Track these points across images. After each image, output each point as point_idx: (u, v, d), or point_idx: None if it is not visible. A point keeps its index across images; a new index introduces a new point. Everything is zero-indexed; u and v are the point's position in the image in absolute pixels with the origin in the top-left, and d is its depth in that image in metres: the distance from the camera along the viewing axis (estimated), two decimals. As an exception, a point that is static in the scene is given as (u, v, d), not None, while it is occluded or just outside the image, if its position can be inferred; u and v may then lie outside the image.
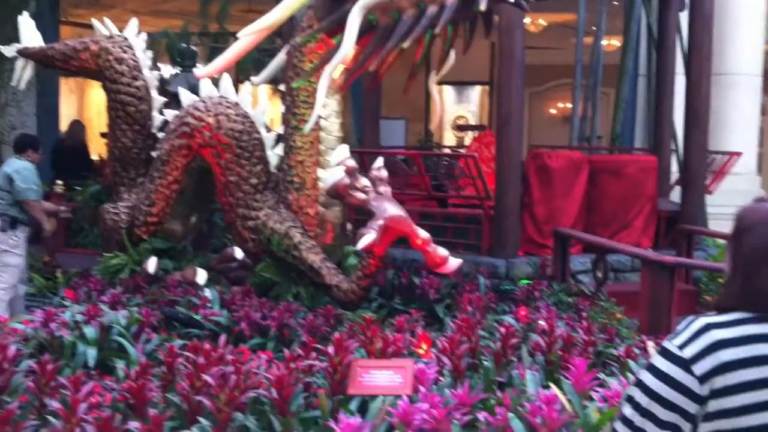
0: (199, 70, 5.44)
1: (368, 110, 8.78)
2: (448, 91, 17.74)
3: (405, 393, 3.29)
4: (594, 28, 9.76)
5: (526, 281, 6.26)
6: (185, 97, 5.47)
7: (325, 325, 4.62)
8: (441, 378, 3.63)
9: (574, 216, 7.20)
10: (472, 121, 17.32)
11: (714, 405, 1.63)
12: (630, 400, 1.72)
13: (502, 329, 4.15)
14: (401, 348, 4.00)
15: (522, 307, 5.17)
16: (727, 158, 8.22)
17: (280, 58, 5.09)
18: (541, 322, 4.43)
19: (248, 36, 4.63)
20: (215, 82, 5.37)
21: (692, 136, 7.21)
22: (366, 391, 3.40)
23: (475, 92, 17.79)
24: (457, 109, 17.92)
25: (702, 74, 7.12)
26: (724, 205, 9.42)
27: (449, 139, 17.49)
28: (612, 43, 12.46)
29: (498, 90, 6.65)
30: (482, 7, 3.93)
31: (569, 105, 11.06)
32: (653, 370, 1.69)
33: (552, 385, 3.49)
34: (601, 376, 3.75)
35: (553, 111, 17.76)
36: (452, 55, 4.45)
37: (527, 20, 12.79)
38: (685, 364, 1.64)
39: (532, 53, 15.54)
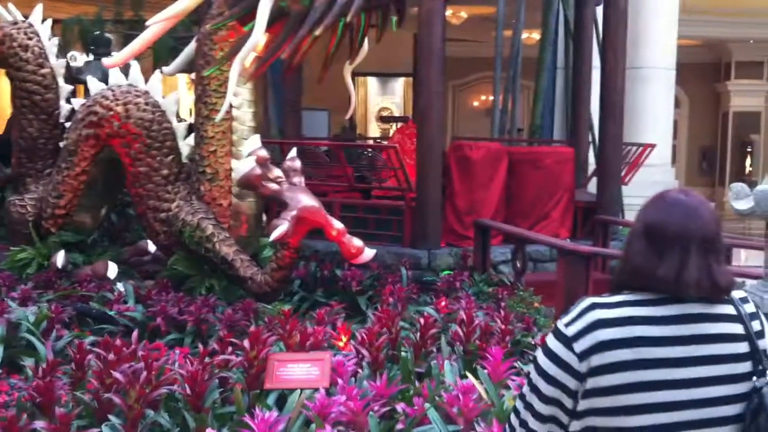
0: (108, 59, 5.27)
1: (289, 101, 8.68)
2: (373, 82, 17.75)
3: (322, 386, 3.25)
4: (515, 21, 9.87)
5: (447, 272, 6.29)
6: (93, 85, 5.29)
7: (244, 320, 4.54)
8: (359, 370, 3.60)
9: (495, 207, 7.25)
10: (397, 113, 17.37)
11: (591, 383, 1.65)
12: (529, 383, 1.75)
13: (422, 320, 4.15)
14: (321, 341, 3.95)
15: (442, 298, 5.19)
16: (641, 150, 8.41)
17: (192, 46, 4.96)
18: (461, 313, 4.45)
19: (157, 24, 4.52)
20: (125, 70, 5.20)
21: (607, 128, 7.34)
22: (283, 385, 3.35)
23: (399, 84, 17.85)
24: (381, 100, 17.96)
25: (616, 67, 7.25)
26: (640, 195, 9.63)
27: (374, 130, 17.51)
28: (533, 36, 12.64)
29: (417, 82, 6.63)
30: None
31: (492, 97, 11.18)
32: (544, 347, 1.73)
33: (469, 374, 3.49)
34: (518, 364, 3.78)
35: (476, 103, 17.95)
36: (365, 45, 4.42)
37: (449, 12, 12.87)
38: (568, 342, 1.67)
39: (455, 46, 15.74)
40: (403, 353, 3.77)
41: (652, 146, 8.47)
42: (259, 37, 3.98)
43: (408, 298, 5.47)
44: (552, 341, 1.72)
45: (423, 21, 6.40)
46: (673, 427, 1.65)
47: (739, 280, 3.89)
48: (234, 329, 4.30)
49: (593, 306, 1.71)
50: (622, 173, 8.20)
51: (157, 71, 5.25)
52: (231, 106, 4.56)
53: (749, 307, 1.80)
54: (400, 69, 15.92)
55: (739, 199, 3.56)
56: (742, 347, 1.73)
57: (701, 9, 15.46)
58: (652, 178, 10.17)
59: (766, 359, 1.77)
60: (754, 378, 1.73)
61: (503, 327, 4.28)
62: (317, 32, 4.01)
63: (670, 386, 1.65)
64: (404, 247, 6.74)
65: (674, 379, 1.66)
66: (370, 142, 12.56)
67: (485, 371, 3.50)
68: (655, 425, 1.65)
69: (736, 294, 1.81)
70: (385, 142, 10.43)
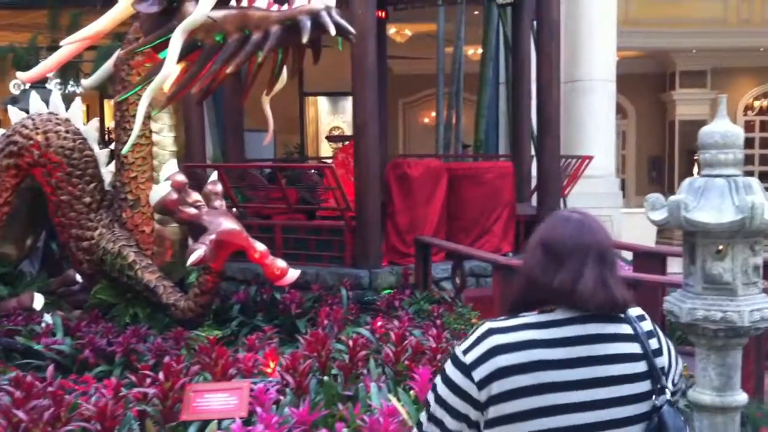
0: (21, 74, 5.18)
1: (231, 123, 8.59)
2: (323, 102, 17.74)
3: (239, 415, 3.19)
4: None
5: (388, 291, 6.26)
6: (14, 114, 5.18)
7: (174, 348, 4.46)
8: (281, 397, 3.53)
9: (436, 223, 7.24)
10: (348, 132, 17.37)
11: (493, 411, 1.63)
12: (426, 404, 1.73)
13: (351, 342, 4.11)
14: (251, 368, 3.89)
15: (378, 318, 5.15)
16: (580, 162, 8.48)
17: (110, 63, 4.90)
18: (391, 333, 4.42)
19: (72, 44, 4.47)
20: (45, 98, 5.11)
21: (545, 141, 7.39)
22: (200, 416, 3.27)
23: (350, 103, 17.84)
24: (332, 119, 17.95)
25: (551, 81, 7.31)
26: (585, 207, 9.74)
27: (327, 150, 17.49)
28: (477, 52, 12.75)
29: (353, 100, 6.62)
30: (304, 39, 3.92)
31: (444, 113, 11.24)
32: (443, 375, 1.70)
33: (391, 397, 3.45)
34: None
35: (426, 120, 18.01)
36: (284, 74, 4.41)
37: (393, 30, 12.93)
38: (466, 369, 1.65)
39: (403, 63, 15.86)
40: (326, 378, 3.72)
41: (590, 158, 8.55)
42: (170, 69, 3.96)
43: (346, 319, 5.43)
44: (450, 369, 1.69)
45: (356, 39, 6.38)
46: None
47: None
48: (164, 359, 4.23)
49: (490, 331, 1.68)
50: (562, 185, 8.26)
51: (78, 99, 5.18)
52: (151, 131, 4.52)
53: (646, 325, 1.79)
54: (349, 88, 15.96)
55: (655, 209, 3.56)
56: (640, 366, 1.72)
57: (643, 20, 15.76)
58: (597, 189, 10.28)
59: (665, 377, 1.76)
60: (654, 397, 1.72)
61: (434, 345, 4.25)
62: (228, 70, 4.01)
63: (571, 410, 1.64)
64: (345, 267, 6.70)
65: (574, 402, 1.64)
66: (313, 162, 12.50)
67: (413, 392, 3.48)
68: None
69: (633, 312, 1.80)
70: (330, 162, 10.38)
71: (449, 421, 1.66)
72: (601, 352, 1.69)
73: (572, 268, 1.71)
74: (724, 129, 3.36)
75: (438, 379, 1.72)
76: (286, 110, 14.23)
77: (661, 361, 1.77)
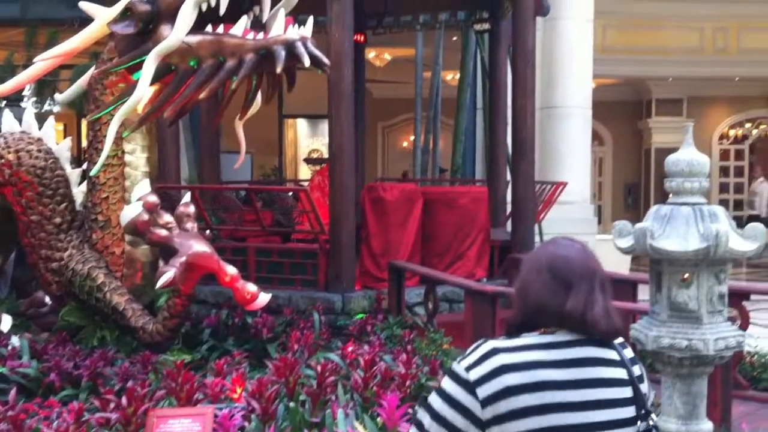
0: None
1: (207, 144, 8.58)
2: (302, 124, 17.76)
3: (202, 441, 3.16)
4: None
5: (361, 315, 6.24)
6: (-14, 132, 5.15)
7: (142, 372, 4.42)
8: (246, 423, 3.50)
9: (410, 248, 7.25)
10: (327, 154, 17.37)
11: (497, 430, 1.64)
12: (419, 424, 1.72)
13: (319, 368, 4.09)
14: (218, 393, 3.85)
15: (350, 343, 5.13)
16: (554, 188, 8.54)
17: (86, 78, 4.90)
18: (360, 358, 4.40)
19: (44, 61, 4.48)
20: (19, 116, 5.09)
21: (519, 167, 7.44)
22: (162, 441, 3.24)
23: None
24: (311, 142, 17.96)
25: (526, 107, 7.37)
26: (560, 233, 9.80)
27: (305, 172, 17.50)
28: (455, 77, 12.85)
29: (329, 123, 6.63)
30: (278, 69, 3.95)
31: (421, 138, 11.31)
32: (440, 391, 1.70)
33: (357, 424, 3.44)
34: (413, 410, 3.73)
35: (405, 143, 18.10)
36: (258, 99, 4.43)
37: (372, 54, 13.02)
38: (470, 387, 1.65)
39: (383, 87, 15.95)
40: (292, 404, 3.69)
41: (564, 184, 8.61)
42: (143, 92, 3.97)
43: (317, 344, 5.40)
44: (450, 385, 1.69)
45: (332, 63, 6.41)
46: None
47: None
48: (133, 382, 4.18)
49: (495, 350, 1.69)
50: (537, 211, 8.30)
51: (51, 118, 5.15)
52: (123, 152, 4.51)
53: (628, 352, 1.83)
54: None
55: (622, 236, 3.59)
56: (628, 392, 1.76)
57: (620, 48, 15.97)
58: (572, 215, 10.35)
59: (647, 403, 1.80)
60: (639, 422, 1.75)
61: (404, 371, 4.24)
62: (201, 96, 4.02)
63: (574, 431, 1.66)
64: (318, 290, 6.67)
65: (573, 423, 1.66)
66: (290, 185, 12.51)
67: (380, 419, 3.47)
68: None
69: (616, 339, 1.84)
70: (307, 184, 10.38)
71: None
72: (598, 375, 1.73)
73: (583, 293, 1.73)
74: (690, 157, 3.40)
75: (434, 396, 1.71)
76: (265, 132, 14.24)
77: (644, 388, 1.81)
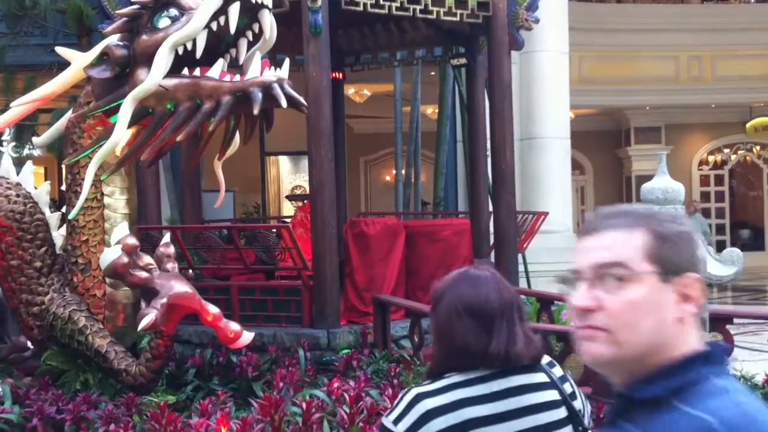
0: None
1: (188, 184, 8.58)
2: (285, 161, 17.82)
3: (186, 482, 3.14)
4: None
5: (346, 351, 6.21)
6: (-36, 179, 5.14)
7: (126, 415, 4.38)
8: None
9: (394, 281, 7.26)
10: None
11: None
12: None
13: (304, 405, 4.07)
14: (202, 434, 3.83)
15: (335, 379, 5.11)
16: (535, 218, 8.60)
17: (63, 121, 4.92)
18: (345, 394, 4.39)
19: (22, 106, 4.50)
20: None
21: (500, 198, 7.50)
22: (146, 484, 3.22)
23: (311, 162, 17.96)
24: (294, 178, 18.00)
25: (505, 139, 7.45)
26: (544, 262, 9.87)
27: (288, 209, 17.52)
28: (435, 111, 12.98)
29: (309, 160, 6.67)
30: (255, 111, 3.99)
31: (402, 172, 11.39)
32: None
33: (343, 460, 3.42)
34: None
35: (388, 178, 18.17)
36: (237, 139, 4.47)
37: (351, 91, 13.13)
38: None
39: (364, 122, 16.07)
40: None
41: (545, 214, 8.68)
42: (120, 135, 4.00)
43: (303, 381, 5.37)
44: None
45: (310, 101, 6.47)
46: None
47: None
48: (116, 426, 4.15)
49: (419, 397, 1.69)
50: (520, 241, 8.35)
51: (29, 162, 5.16)
52: (103, 194, 4.52)
53: (557, 371, 1.83)
54: (310, 147, 16.10)
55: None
56: (562, 412, 1.76)
57: (596, 79, 16.20)
58: (554, 244, 10.40)
59: (584, 420, 1.79)
60: None
61: (390, 406, 4.23)
62: (179, 138, 4.05)
63: None
64: (303, 327, 6.65)
65: None
66: (273, 222, 12.51)
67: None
68: None
69: (543, 360, 1.84)
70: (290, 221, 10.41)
71: None
72: (528, 402, 1.73)
73: (504, 331, 1.74)
74: (664, 185, 3.48)
75: None
76: (247, 170, 14.28)
77: (578, 404, 1.81)
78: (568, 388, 1.82)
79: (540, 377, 1.79)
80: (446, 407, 1.66)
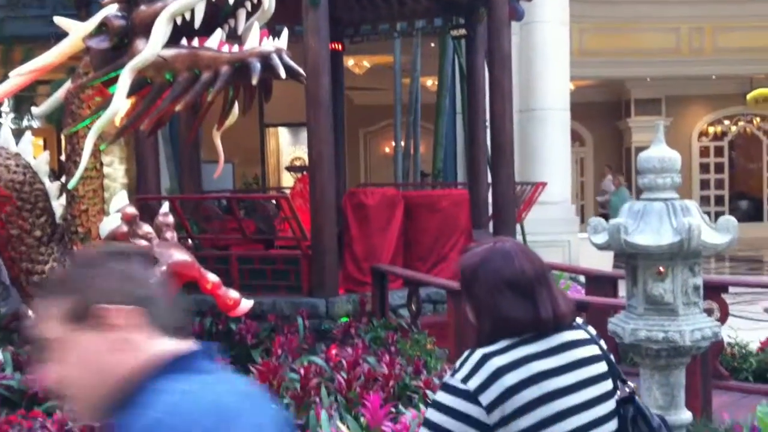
0: None
1: (187, 156, 8.59)
2: (284, 132, 17.80)
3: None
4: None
5: (345, 319, 6.28)
6: (-36, 149, 5.14)
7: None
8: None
9: (393, 251, 7.30)
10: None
11: (505, 430, 1.68)
12: None
13: (302, 371, 4.13)
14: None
15: (333, 346, 5.17)
16: (534, 188, 8.62)
17: (61, 93, 4.91)
18: (343, 360, 4.45)
19: (20, 76, 4.49)
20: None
21: (499, 169, 7.52)
22: (147, 447, 3.26)
23: (311, 133, 17.95)
24: (294, 150, 17.99)
25: (504, 111, 7.45)
26: (544, 232, 9.92)
27: (288, 180, 17.54)
28: (435, 82, 12.93)
29: (308, 131, 6.68)
30: (254, 81, 3.98)
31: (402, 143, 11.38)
32: (438, 406, 1.73)
33: (340, 424, 3.48)
34: (398, 408, 3.79)
35: (387, 149, 18.16)
36: (235, 109, 4.46)
37: (351, 62, 13.07)
38: (470, 396, 1.69)
39: (364, 94, 16.01)
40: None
41: (544, 184, 8.70)
42: (119, 105, 4.00)
43: (302, 348, 5.43)
44: (449, 398, 1.72)
45: (309, 73, 6.46)
46: None
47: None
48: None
49: (487, 356, 1.74)
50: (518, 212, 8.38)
51: (28, 132, 5.17)
52: (102, 164, 4.53)
53: (591, 330, 1.90)
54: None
55: (597, 233, 3.66)
56: (604, 366, 1.83)
57: (597, 50, 16.12)
58: (553, 215, 10.44)
59: (620, 373, 1.91)
60: (618, 392, 1.84)
61: (387, 372, 4.29)
62: (178, 108, 4.05)
63: (573, 413, 1.74)
64: (302, 296, 6.70)
65: (574, 405, 1.75)
66: (273, 193, 12.55)
67: (363, 419, 3.51)
68: None
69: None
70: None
71: None
72: (579, 356, 1.81)
73: (545, 296, 1.81)
74: (661, 154, 3.48)
75: (433, 413, 1.73)
76: (246, 141, 14.26)
77: (612, 360, 1.89)
78: (603, 345, 1.91)
79: (581, 334, 1.88)
80: (514, 363, 1.72)
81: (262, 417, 1.24)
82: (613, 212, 15.12)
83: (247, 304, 4.41)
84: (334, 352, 4.91)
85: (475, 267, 1.85)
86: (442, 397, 1.73)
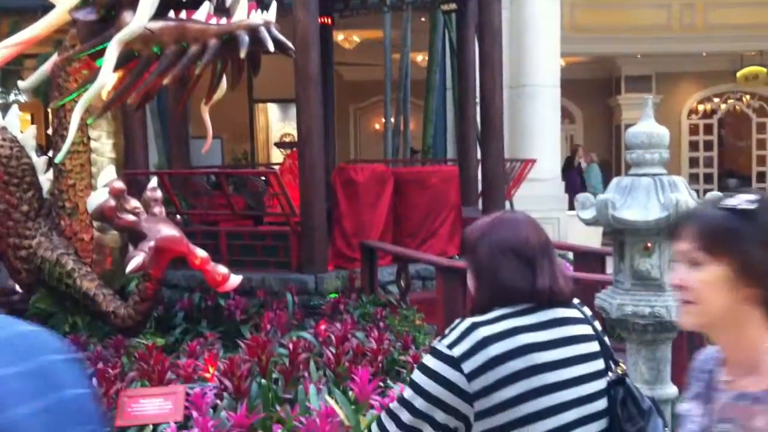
0: None
1: (176, 131, 8.55)
2: (273, 109, 17.71)
3: (174, 420, 3.20)
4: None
5: (334, 295, 6.28)
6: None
7: (115, 356, 4.43)
8: (219, 401, 3.54)
9: (382, 227, 7.30)
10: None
11: (486, 402, 1.69)
12: (402, 400, 1.77)
13: (291, 346, 4.14)
14: (191, 374, 3.89)
15: (322, 322, 5.18)
16: (523, 165, 8.62)
17: (47, 67, 4.87)
18: (332, 335, 4.46)
19: (5, 49, 4.44)
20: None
21: (489, 146, 7.51)
22: (135, 421, 3.27)
23: (300, 109, 17.85)
24: (283, 126, 17.90)
25: (494, 86, 7.43)
26: (533, 209, 9.91)
27: (277, 156, 17.48)
28: (425, 58, 12.86)
29: (297, 107, 6.64)
30: (242, 54, 3.94)
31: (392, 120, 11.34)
32: (423, 368, 1.75)
33: (328, 397, 3.49)
34: (386, 383, 3.80)
35: (377, 126, 18.09)
36: (224, 83, 4.43)
37: (341, 37, 12.99)
38: (454, 362, 1.70)
39: (354, 70, 15.92)
40: (263, 381, 3.74)
41: (533, 161, 8.69)
42: (105, 78, 3.97)
43: (291, 323, 5.44)
44: (435, 363, 1.73)
45: (298, 48, 6.41)
46: (564, 428, 1.73)
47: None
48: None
49: (475, 325, 1.74)
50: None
51: (15, 106, 5.12)
52: (89, 138, 4.50)
53: (586, 310, 1.91)
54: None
55: (584, 209, 3.67)
56: (595, 346, 1.85)
57: (588, 27, 16.04)
58: (543, 192, 10.45)
59: (613, 354, 1.90)
60: (610, 373, 1.84)
61: (375, 347, 4.30)
62: (165, 81, 4.02)
63: (559, 388, 1.74)
64: (291, 272, 6.70)
65: (561, 380, 1.74)
66: (261, 169, 12.51)
67: (352, 393, 3.52)
68: (553, 429, 1.71)
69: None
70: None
71: (440, 416, 1.70)
72: (571, 333, 1.82)
73: (546, 270, 1.82)
74: (649, 130, 3.48)
75: (418, 374, 1.75)
76: (235, 117, 14.18)
77: (607, 341, 1.90)
78: (597, 326, 1.91)
79: (575, 312, 1.88)
80: (502, 334, 1.72)
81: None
82: (587, 189, 15.19)
83: (235, 279, 4.40)
84: (323, 327, 4.91)
85: (482, 232, 1.87)
86: (428, 360, 1.75)
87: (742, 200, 1.40)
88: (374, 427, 1.80)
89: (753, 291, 1.37)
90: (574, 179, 14.38)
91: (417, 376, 1.75)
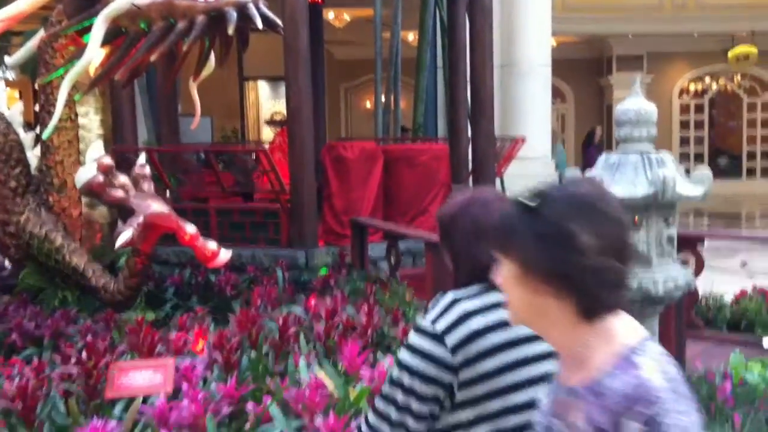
0: None
1: (165, 108, 8.52)
2: (264, 86, 17.65)
3: (164, 391, 3.21)
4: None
5: (324, 270, 6.30)
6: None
7: (105, 330, 4.44)
8: (209, 374, 3.56)
9: (372, 205, 7.31)
10: (288, 116, 17.30)
11: (469, 372, 1.72)
12: (389, 378, 1.79)
13: (281, 320, 4.16)
14: (181, 347, 3.91)
15: (312, 296, 5.19)
16: (513, 143, 8.63)
17: (34, 43, 4.83)
18: (321, 309, 4.48)
19: (-9, 25, 4.42)
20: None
21: (479, 124, 7.51)
22: (124, 393, 3.28)
23: (291, 88, 17.80)
24: (274, 104, 17.85)
25: (485, 65, 7.42)
26: (521, 188, 9.94)
27: (268, 134, 17.44)
28: (416, 37, 12.81)
29: (286, 84, 6.62)
30: (230, 31, 3.92)
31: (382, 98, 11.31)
32: (408, 346, 1.77)
33: (318, 370, 3.52)
34: (379, 356, 3.84)
35: (368, 104, 18.07)
36: (212, 60, 4.40)
37: (331, 15, 12.93)
38: (437, 337, 1.72)
39: (344, 49, 15.87)
40: (254, 353, 3.76)
41: (523, 140, 8.71)
42: (92, 54, 3.94)
43: (281, 298, 5.45)
44: (418, 339, 1.75)
45: (288, 26, 6.38)
46: (532, 404, 1.75)
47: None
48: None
49: (457, 300, 1.77)
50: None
51: (1, 83, 5.10)
52: (77, 114, 4.48)
53: None
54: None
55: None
56: None
57: (580, 6, 16.04)
58: (533, 170, 10.47)
59: None
60: None
61: (365, 321, 4.32)
62: (152, 58, 3.99)
63: (537, 360, 1.77)
64: (282, 248, 6.71)
65: (542, 352, 1.77)
66: (251, 146, 12.49)
67: (341, 365, 3.55)
68: (529, 399, 1.72)
69: None
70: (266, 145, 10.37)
71: (423, 389, 1.73)
72: None
73: None
74: (638, 106, 3.49)
75: (403, 352, 1.77)
76: (225, 95, 14.15)
77: None
78: None
79: None
80: (483, 308, 1.75)
81: None
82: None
83: (225, 255, 4.41)
84: (313, 302, 4.93)
85: (454, 214, 1.88)
86: (412, 337, 1.78)
87: (530, 195, 1.39)
88: (371, 415, 1.82)
89: (543, 286, 1.34)
90: (593, 155, 14.46)
91: (404, 355, 1.77)
